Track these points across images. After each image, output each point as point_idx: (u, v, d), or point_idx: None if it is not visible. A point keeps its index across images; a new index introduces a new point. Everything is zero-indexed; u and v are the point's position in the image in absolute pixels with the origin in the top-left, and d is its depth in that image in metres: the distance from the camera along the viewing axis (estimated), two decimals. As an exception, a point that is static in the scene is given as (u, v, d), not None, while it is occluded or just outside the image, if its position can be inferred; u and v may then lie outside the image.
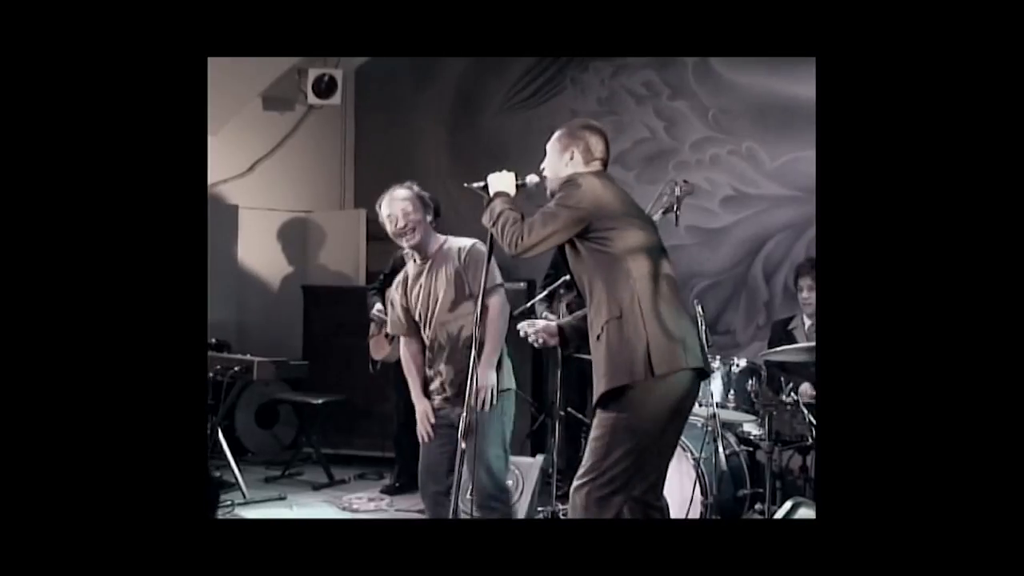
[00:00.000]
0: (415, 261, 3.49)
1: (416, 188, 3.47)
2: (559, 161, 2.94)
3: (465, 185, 3.02)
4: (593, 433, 2.73)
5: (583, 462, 2.73)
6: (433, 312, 3.38)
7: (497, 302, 3.34)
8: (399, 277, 3.58)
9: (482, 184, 2.97)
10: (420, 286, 3.43)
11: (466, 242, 3.43)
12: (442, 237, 3.49)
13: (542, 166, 2.97)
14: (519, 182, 2.96)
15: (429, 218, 3.49)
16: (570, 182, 2.83)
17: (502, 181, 2.95)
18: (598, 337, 2.76)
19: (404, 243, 3.44)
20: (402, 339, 3.52)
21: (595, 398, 2.75)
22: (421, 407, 3.43)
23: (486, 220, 2.88)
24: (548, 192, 2.94)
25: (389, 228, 3.46)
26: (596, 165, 2.94)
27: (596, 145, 2.94)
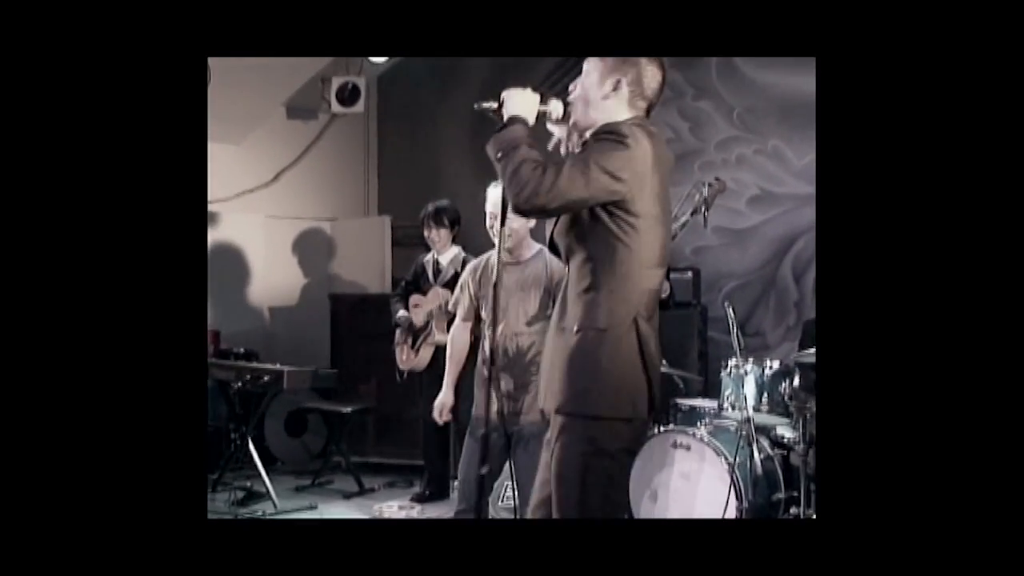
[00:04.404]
0: (505, 253, 3.30)
1: None
2: (597, 88, 2.32)
3: (476, 106, 2.39)
4: (555, 469, 2.23)
5: (536, 496, 2.33)
6: (502, 315, 3.30)
7: None
8: (478, 261, 3.53)
9: (496, 104, 2.33)
10: (499, 285, 3.37)
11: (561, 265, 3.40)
12: (537, 246, 3.42)
13: (572, 85, 2.40)
14: (543, 107, 2.34)
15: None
16: (616, 136, 2.20)
17: (522, 102, 2.30)
18: (576, 331, 2.22)
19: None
20: (457, 324, 3.47)
21: (552, 407, 2.27)
22: (446, 399, 3.44)
23: (492, 151, 2.23)
24: (572, 121, 2.37)
25: (488, 223, 3.48)
26: (641, 106, 2.33)
27: (652, 79, 2.33)
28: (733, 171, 5.73)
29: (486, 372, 3.27)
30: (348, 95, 6.60)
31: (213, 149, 4.61)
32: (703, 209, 4.02)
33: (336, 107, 6.63)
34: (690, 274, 5.50)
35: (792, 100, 5.54)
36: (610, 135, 2.20)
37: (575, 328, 2.21)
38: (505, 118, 2.28)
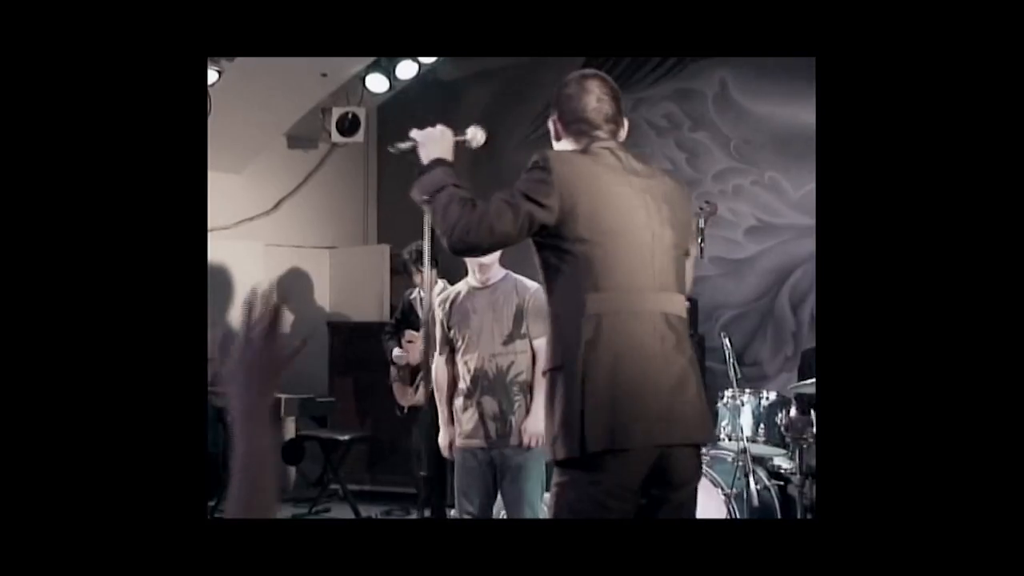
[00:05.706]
0: (474, 278, 3.41)
1: None
2: (554, 139, 2.29)
3: (391, 148, 2.42)
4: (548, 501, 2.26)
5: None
6: (476, 339, 3.33)
7: None
8: (446, 293, 3.56)
9: (410, 144, 2.30)
10: (470, 310, 3.37)
11: (532, 284, 3.33)
12: (504, 271, 3.44)
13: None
14: (458, 137, 2.31)
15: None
16: (538, 163, 2.12)
17: (435, 144, 2.24)
18: (544, 375, 2.21)
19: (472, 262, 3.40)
20: (437, 359, 3.49)
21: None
22: (447, 436, 3.45)
23: (416, 195, 2.21)
24: None
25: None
26: (587, 130, 2.20)
27: (577, 99, 2.20)
28: (730, 202, 5.77)
29: (460, 400, 3.37)
30: (348, 125, 6.65)
31: (213, 177, 4.63)
32: (699, 239, 4.04)
33: (336, 137, 6.67)
34: (687, 304, 5.51)
35: (788, 131, 5.59)
36: (534, 164, 2.14)
37: (543, 373, 2.18)
38: (424, 160, 2.24)
